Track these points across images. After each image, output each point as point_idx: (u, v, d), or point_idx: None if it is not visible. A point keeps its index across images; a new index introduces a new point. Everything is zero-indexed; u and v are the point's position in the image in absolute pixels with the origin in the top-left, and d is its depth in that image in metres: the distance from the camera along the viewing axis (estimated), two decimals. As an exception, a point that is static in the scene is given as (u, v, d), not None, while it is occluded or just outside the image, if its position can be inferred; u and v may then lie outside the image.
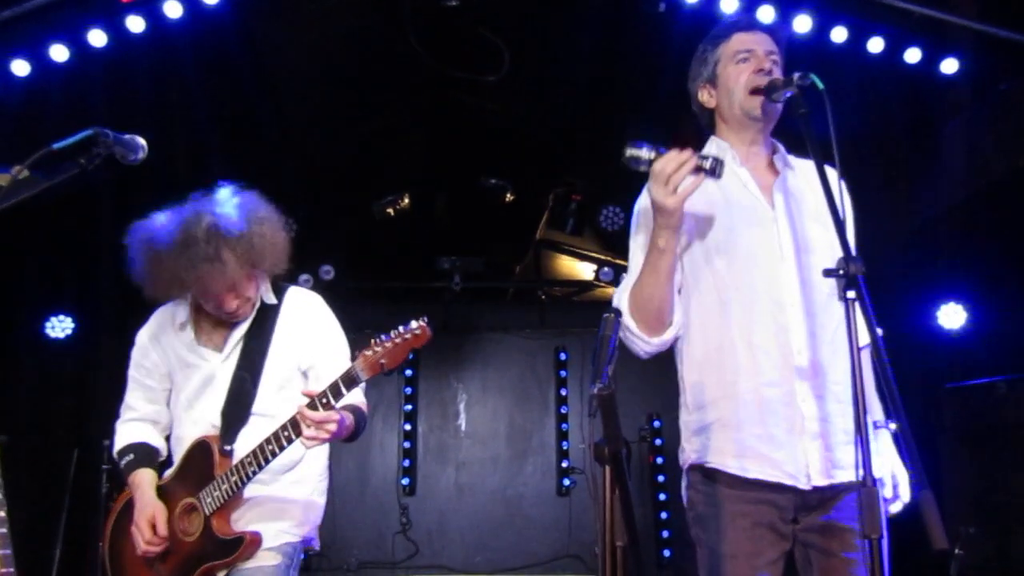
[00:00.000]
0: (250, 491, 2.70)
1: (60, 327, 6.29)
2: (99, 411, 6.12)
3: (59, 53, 4.67)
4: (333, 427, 2.45)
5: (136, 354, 2.92)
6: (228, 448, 2.68)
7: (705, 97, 2.51)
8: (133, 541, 2.74)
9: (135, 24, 4.67)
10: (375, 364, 2.43)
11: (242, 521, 2.72)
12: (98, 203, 5.54)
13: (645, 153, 2.17)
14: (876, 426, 2.35)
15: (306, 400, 2.47)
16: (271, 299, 2.85)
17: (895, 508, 2.32)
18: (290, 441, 2.53)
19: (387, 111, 5.98)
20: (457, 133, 6.20)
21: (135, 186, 5.06)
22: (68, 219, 5.58)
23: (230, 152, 5.64)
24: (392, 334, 2.47)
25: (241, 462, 2.60)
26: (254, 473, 2.58)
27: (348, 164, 6.29)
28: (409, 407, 6.77)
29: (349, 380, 2.46)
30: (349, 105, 5.84)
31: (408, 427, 6.74)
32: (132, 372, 2.92)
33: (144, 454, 2.82)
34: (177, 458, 2.82)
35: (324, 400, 2.46)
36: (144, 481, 2.75)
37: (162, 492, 2.75)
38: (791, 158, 2.47)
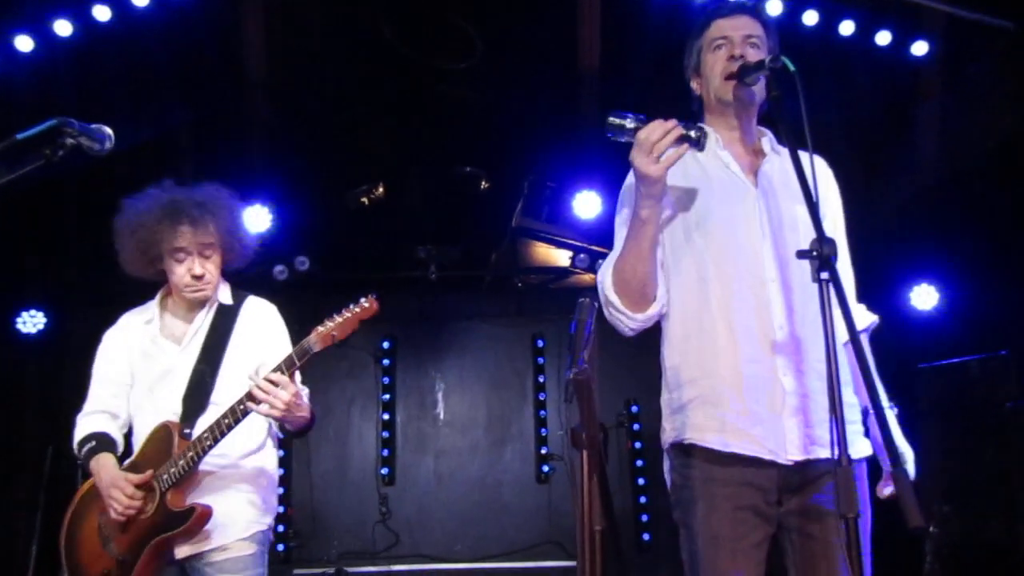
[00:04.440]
0: (216, 483, 2.84)
1: (31, 322, 6.22)
2: (73, 406, 6.05)
3: (24, 44, 4.60)
4: (286, 395, 2.60)
5: (101, 350, 3.07)
6: (187, 432, 2.81)
7: (695, 86, 2.53)
8: (91, 526, 2.90)
9: (101, 13, 4.61)
10: (327, 336, 2.61)
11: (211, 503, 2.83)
12: (68, 196, 5.47)
13: (628, 122, 2.17)
14: (867, 413, 2.36)
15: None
16: (229, 300, 3.04)
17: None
18: (245, 414, 2.68)
19: (359, 99, 5.94)
20: (430, 121, 6.18)
21: (104, 178, 5.00)
22: (39, 212, 5.51)
23: (200, 142, 5.59)
24: (343, 309, 2.65)
25: (199, 437, 2.74)
26: (210, 447, 2.72)
27: (322, 153, 6.25)
28: (387, 397, 6.76)
29: (302, 352, 2.63)
30: (320, 94, 5.80)
31: (386, 417, 6.73)
32: (96, 367, 3.06)
33: (104, 442, 2.93)
34: (138, 446, 2.94)
35: (279, 372, 2.65)
36: (108, 462, 2.87)
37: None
38: (781, 146, 2.48)
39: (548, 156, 6.60)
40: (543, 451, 6.67)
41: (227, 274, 3.08)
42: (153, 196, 2.90)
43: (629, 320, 2.34)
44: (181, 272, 2.89)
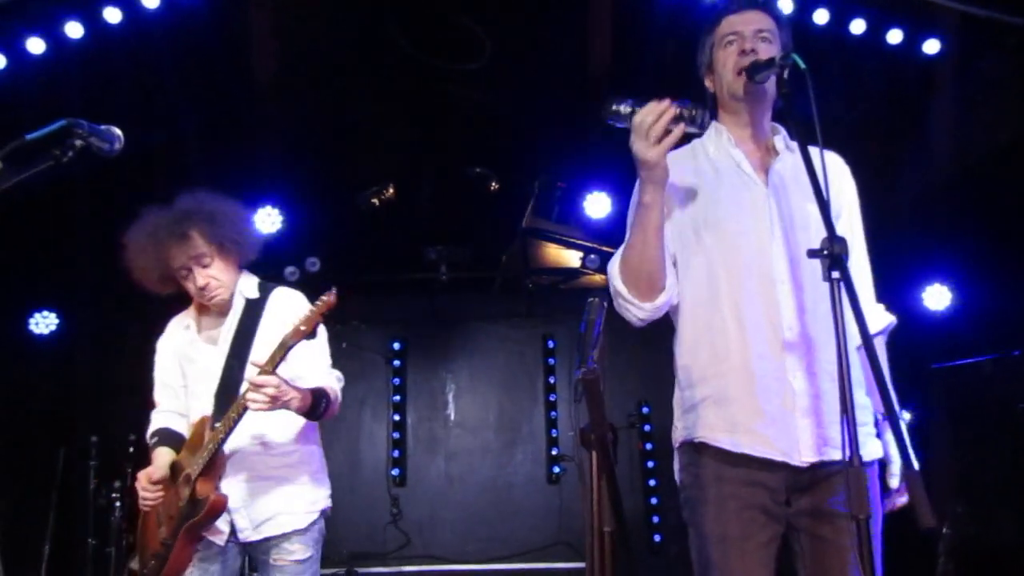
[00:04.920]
0: (262, 470, 3.03)
1: (44, 323, 6.25)
2: (85, 407, 6.09)
3: (35, 45, 4.63)
4: (271, 391, 2.75)
5: (157, 359, 3.27)
6: (216, 424, 2.96)
7: (708, 84, 2.52)
8: (154, 511, 3.08)
9: (112, 15, 4.64)
10: (297, 331, 2.80)
11: (256, 494, 3.01)
12: (79, 198, 5.50)
13: (624, 107, 2.16)
14: (882, 418, 2.35)
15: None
16: (254, 294, 3.16)
17: (902, 501, 2.32)
18: (246, 409, 2.83)
19: (370, 101, 5.95)
20: (440, 122, 6.18)
21: (115, 180, 5.02)
22: (51, 214, 5.54)
23: (210, 144, 5.60)
24: (311, 306, 2.86)
25: (216, 428, 2.92)
26: (224, 438, 2.89)
27: (332, 155, 6.25)
28: (398, 398, 6.77)
29: (282, 346, 2.80)
30: (331, 96, 5.81)
31: (397, 418, 6.74)
32: (155, 374, 3.27)
33: (166, 437, 3.14)
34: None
35: (268, 367, 2.79)
36: (159, 455, 3.08)
37: (173, 467, 3.06)
38: (795, 143, 2.46)
39: (558, 157, 6.60)
40: (554, 452, 6.67)
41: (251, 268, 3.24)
42: (137, 228, 3.06)
43: (637, 310, 2.33)
44: (190, 287, 3.07)
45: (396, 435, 6.70)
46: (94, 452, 5.33)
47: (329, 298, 2.84)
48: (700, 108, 2.14)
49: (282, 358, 2.79)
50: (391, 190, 6.53)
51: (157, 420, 3.21)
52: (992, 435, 4.94)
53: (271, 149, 5.78)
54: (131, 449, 5.34)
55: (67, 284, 6.07)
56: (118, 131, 2.23)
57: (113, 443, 5.33)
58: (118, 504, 5.27)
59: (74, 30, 4.63)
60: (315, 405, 2.93)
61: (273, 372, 2.79)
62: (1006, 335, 4.99)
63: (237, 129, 5.63)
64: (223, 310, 3.13)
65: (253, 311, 3.13)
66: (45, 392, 6.07)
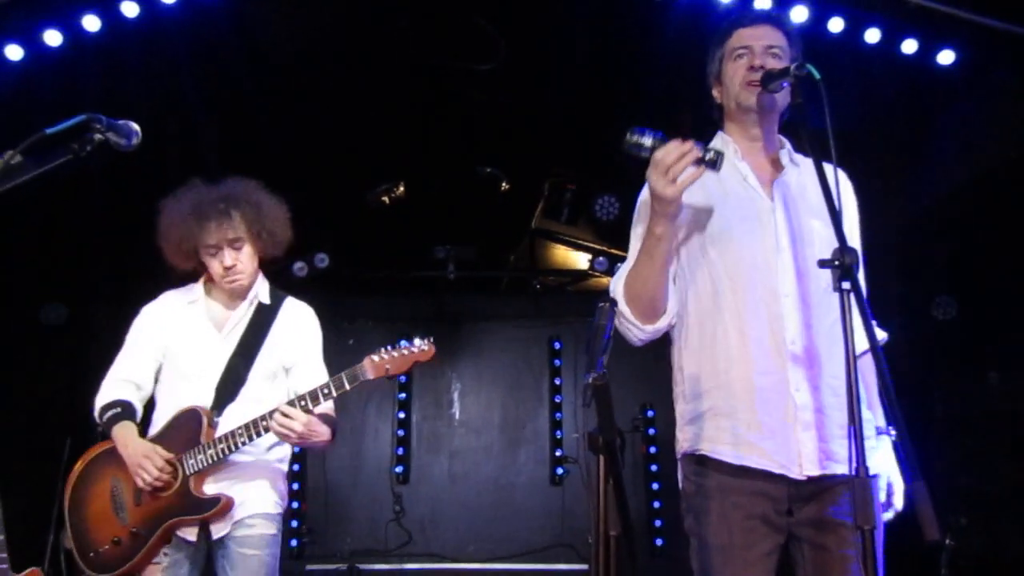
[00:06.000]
0: (241, 472, 3.02)
1: (54, 314, 6.27)
2: (93, 398, 6.10)
3: (52, 38, 4.66)
4: (298, 427, 2.80)
5: (137, 322, 3.22)
6: (216, 420, 2.98)
7: (716, 94, 2.53)
8: (103, 489, 3.02)
9: (129, 9, 4.67)
10: (380, 367, 2.85)
11: (231, 490, 2.99)
12: (93, 190, 5.52)
13: (648, 140, 2.17)
14: (879, 432, 2.35)
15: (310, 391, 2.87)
16: (267, 300, 3.22)
17: (887, 516, 2.33)
18: (267, 429, 2.87)
19: (382, 99, 5.95)
20: (452, 122, 6.18)
21: (128, 173, 5.04)
22: (63, 206, 5.56)
23: (223, 139, 5.62)
24: (401, 345, 2.91)
25: (233, 432, 2.91)
26: (243, 444, 2.90)
27: (342, 152, 6.27)
28: (403, 396, 6.77)
29: (353, 377, 2.85)
30: (343, 93, 5.82)
31: (402, 416, 6.74)
32: (129, 337, 3.21)
33: (128, 411, 3.07)
34: (164, 421, 3.07)
35: (326, 391, 2.84)
36: (132, 431, 3.01)
37: None
38: (800, 156, 2.47)
39: (569, 158, 6.60)
40: (558, 453, 6.67)
41: (265, 271, 3.26)
42: (181, 197, 3.09)
43: (638, 331, 2.36)
44: (215, 265, 3.07)
45: (400, 433, 6.71)
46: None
47: (428, 348, 2.93)
48: (719, 153, 2.16)
49: (350, 389, 2.84)
50: (401, 188, 6.54)
51: (114, 390, 3.12)
52: (997, 447, 4.93)
53: (283, 145, 5.79)
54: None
55: (77, 276, 6.09)
56: (136, 126, 2.25)
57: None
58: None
59: (91, 23, 4.66)
60: (325, 445, 3.02)
61: (310, 411, 2.83)
62: (1012, 347, 4.98)
63: (251, 124, 5.65)
64: (239, 295, 3.15)
65: (265, 315, 3.17)
66: (53, 383, 6.09)
